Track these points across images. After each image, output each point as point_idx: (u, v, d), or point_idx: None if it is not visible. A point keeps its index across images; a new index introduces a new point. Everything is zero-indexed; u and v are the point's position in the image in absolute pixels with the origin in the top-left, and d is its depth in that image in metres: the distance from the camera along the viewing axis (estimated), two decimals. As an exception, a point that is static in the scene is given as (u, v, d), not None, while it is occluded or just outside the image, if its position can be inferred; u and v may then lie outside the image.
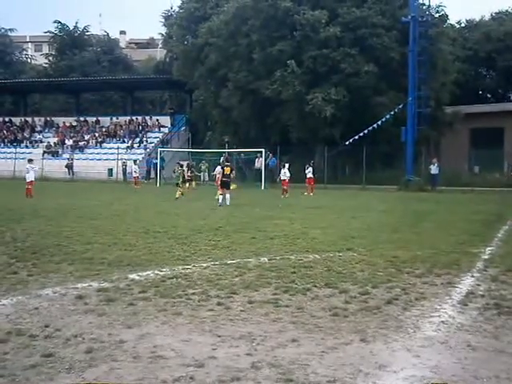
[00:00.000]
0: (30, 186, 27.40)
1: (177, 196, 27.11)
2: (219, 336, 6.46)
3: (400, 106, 40.87)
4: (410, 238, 14.41)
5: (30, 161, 30.10)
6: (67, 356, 5.73)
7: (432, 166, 40.15)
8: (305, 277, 9.58)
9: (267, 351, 5.99)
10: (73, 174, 48.76)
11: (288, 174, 31.58)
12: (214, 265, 10.55)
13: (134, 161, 42.66)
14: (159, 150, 45.97)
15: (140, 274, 9.60)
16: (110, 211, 20.61)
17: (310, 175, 34.22)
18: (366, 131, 40.19)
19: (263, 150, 40.16)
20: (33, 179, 27.99)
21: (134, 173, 40.37)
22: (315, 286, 8.91)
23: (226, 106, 46.26)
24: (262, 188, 38.72)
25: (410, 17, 40.58)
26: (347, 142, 40.86)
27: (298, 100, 41.90)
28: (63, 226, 15.89)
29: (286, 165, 33.61)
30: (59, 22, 70.26)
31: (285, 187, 30.98)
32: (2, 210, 20.03)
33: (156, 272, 9.78)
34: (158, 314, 7.29)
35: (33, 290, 8.36)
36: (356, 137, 40.38)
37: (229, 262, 10.85)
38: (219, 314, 7.32)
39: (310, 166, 34.69)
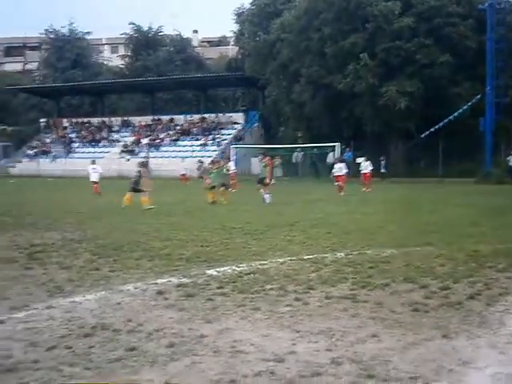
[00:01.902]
0: (95, 185, 28.46)
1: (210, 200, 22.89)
2: (298, 331, 6.46)
3: (477, 97, 39.74)
4: (491, 232, 13.99)
5: (93, 162, 31.13)
6: (150, 350, 5.86)
7: (511, 158, 38.83)
8: (383, 272, 9.46)
9: (347, 347, 5.96)
10: (149, 172, 49.66)
11: (344, 171, 29.29)
12: (291, 260, 10.55)
13: (183, 158, 42.51)
14: (232, 146, 46.27)
15: (218, 269, 9.71)
16: (185, 208, 20.84)
17: (365, 170, 32.17)
18: (441, 123, 39.30)
19: (337, 144, 39.83)
20: (96, 179, 28.93)
21: (183, 170, 40.57)
22: (394, 281, 8.78)
23: (299, 101, 46.10)
24: (335, 183, 38.29)
25: (486, 4, 39.42)
26: (423, 135, 40.06)
27: (371, 93, 41.33)
28: (141, 222, 16.23)
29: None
30: (134, 24, 71.94)
31: (340, 183, 28.58)
32: (84, 208, 20.64)
33: (233, 268, 9.87)
34: (236, 309, 7.35)
35: (115, 286, 8.58)
36: (432, 129, 39.55)
37: (305, 257, 10.83)
38: (297, 310, 7.32)
39: (368, 159, 33.13)
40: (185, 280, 8.91)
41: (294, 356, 5.69)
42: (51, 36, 74.56)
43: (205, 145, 52.63)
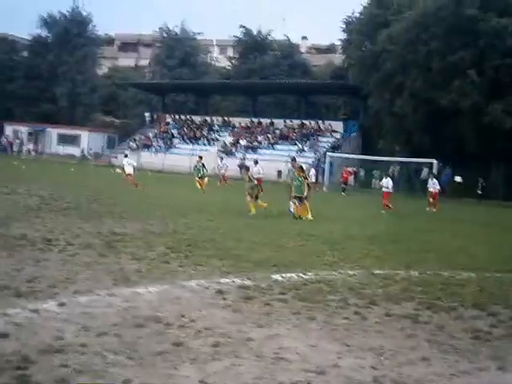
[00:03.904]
0: (130, 177, 30.11)
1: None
2: (348, 345, 6.34)
3: None
4: None
5: (126, 156, 33.77)
6: (194, 347, 5.91)
7: None
8: (453, 295, 9.12)
9: (393, 367, 5.79)
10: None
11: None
12: (361, 273, 10.36)
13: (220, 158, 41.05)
14: (328, 154, 46.01)
15: (284, 275, 9.66)
16: (268, 211, 20.70)
17: (432, 189, 29.50)
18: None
19: (434, 161, 38.76)
20: (131, 172, 30.45)
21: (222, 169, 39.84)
22: (462, 306, 8.46)
23: (400, 114, 45.34)
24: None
25: None
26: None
27: (475, 111, 40.07)
28: (222, 221, 16.41)
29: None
30: (244, 27, 73.04)
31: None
32: (171, 204, 21.10)
33: (300, 275, 9.79)
34: (291, 316, 7.30)
35: (179, 281, 8.71)
36: (538, 152, 37.85)
37: (376, 271, 10.60)
38: (353, 324, 7.19)
39: (434, 177, 30.98)
40: (248, 282, 8.93)
41: (337, 370, 5.58)
42: (164, 35, 76.82)
43: (302, 150, 52.61)
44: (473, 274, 11.06)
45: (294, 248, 12.67)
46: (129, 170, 30.50)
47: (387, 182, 26.79)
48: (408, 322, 7.44)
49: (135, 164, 31.88)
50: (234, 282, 8.91)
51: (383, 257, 12.44)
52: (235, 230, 14.74)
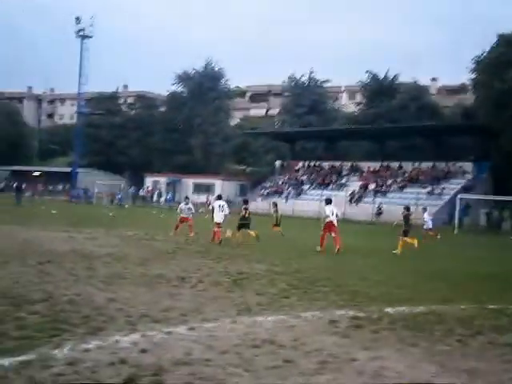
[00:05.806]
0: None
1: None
2: (444, 366, 6.91)
3: None
4: None
5: (219, 198, 26.01)
6: (303, 364, 6.74)
7: None
8: None
9: (484, 385, 6.32)
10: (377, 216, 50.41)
11: None
12: (472, 307, 10.73)
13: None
14: (459, 196, 45.35)
15: (395, 308, 10.26)
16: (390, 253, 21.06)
17: None
18: None
19: None
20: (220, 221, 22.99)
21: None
22: None
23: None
24: None
25: None
26: None
27: None
28: (344, 262, 17.13)
29: None
30: (370, 72, 74.00)
31: None
32: (297, 246, 22.05)
33: (411, 308, 10.35)
34: (396, 342, 7.93)
35: (296, 312, 9.57)
36: None
37: (490, 306, 10.92)
38: (454, 349, 7.71)
39: None
40: (360, 314, 9.63)
41: (428, 385, 6.21)
42: (292, 84, 79.35)
43: (431, 193, 52.18)
44: None
45: (410, 284, 13.18)
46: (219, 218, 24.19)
47: None
48: (508, 348, 7.86)
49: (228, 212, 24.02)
50: (347, 313, 9.64)
51: (499, 292, 12.67)
52: (356, 270, 15.43)
